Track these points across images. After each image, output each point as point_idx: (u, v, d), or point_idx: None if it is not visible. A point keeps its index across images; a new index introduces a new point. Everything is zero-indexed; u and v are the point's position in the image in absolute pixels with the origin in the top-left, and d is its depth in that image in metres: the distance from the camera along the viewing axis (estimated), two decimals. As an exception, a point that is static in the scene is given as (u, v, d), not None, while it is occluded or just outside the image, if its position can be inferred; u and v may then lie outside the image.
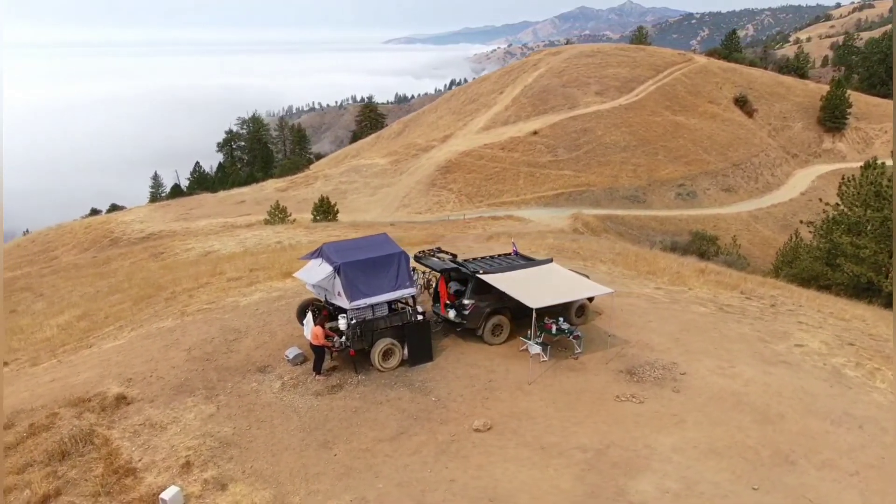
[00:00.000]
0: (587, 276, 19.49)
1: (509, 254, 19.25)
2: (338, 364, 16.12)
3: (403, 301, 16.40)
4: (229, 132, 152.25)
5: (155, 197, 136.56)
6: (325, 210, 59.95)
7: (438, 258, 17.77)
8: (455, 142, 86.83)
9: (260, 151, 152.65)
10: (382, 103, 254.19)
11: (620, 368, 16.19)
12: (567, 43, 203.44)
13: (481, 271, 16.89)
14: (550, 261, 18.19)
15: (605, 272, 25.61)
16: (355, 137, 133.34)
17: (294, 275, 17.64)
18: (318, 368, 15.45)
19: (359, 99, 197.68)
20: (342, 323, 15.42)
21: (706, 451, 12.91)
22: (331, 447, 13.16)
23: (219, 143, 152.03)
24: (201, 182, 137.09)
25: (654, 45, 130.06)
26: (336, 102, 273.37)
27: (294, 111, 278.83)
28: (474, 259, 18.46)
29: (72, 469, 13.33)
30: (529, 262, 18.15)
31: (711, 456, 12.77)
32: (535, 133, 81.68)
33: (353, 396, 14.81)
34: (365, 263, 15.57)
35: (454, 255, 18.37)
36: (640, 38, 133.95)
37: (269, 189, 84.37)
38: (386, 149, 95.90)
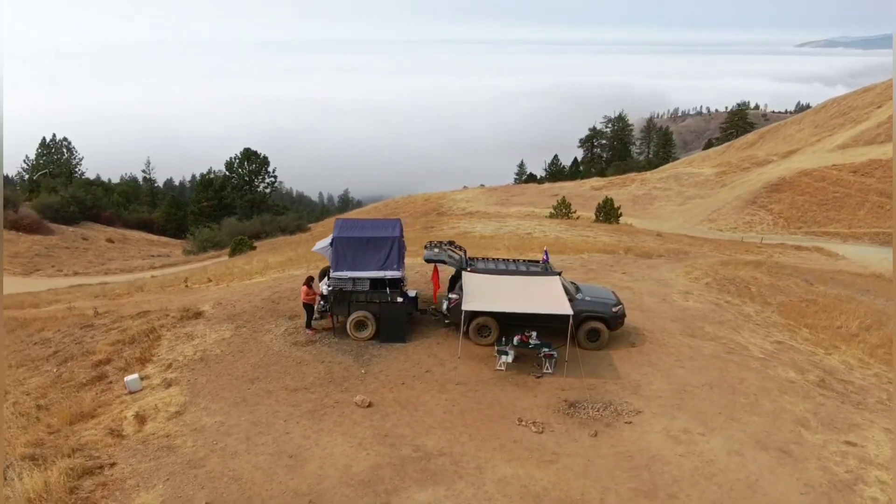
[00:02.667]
0: (619, 302, 17.76)
1: (537, 261, 18.56)
2: (336, 327, 18.28)
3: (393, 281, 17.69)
4: (592, 129, 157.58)
5: (518, 181, 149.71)
6: (606, 211, 59.90)
7: (443, 250, 18.30)
8: (798, 158, 76.42)
9: (619, 150, 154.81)
10: (779, 112, 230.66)
11: (567, 398, 14.98)
12: None
13: (469, 268, 17.09)
14: (557, 274, 17.15)
15: (746, 314, 22.05)
16: (709, 145, 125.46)
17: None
18: (308, 324, 17.91)
19: (752, 105, 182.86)
20: (323, 288, 17.58)
21: (532, 494, 11.80)
22: (254, 382, 15.65)
23: (581, 140, 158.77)
24: (555, 174, 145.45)
25: None
26: (725, 108, 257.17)
27: (679, 114, 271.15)
28: (489, 259, 18.46)
29: (127, 350, 18.43)
30: (536, 271, 17.41)
31: (530, 501, 11.64)
32: (904, 156, 66.98)
33: (311, 352, 16.94)
34: (358, 241, 17.37)
35: (464, 251, 18.66)
36: None
37: (587, 187, 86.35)
38: (720, 159, 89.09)
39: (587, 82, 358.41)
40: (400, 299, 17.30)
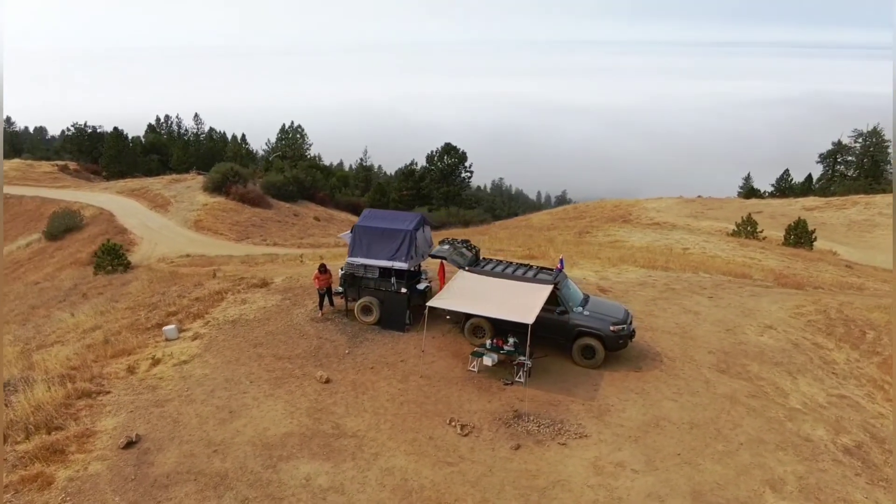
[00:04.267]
0: (624, 321, 16.51)
1: (551, 269, 17.76)
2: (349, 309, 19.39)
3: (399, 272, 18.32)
4: (836, 144, 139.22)
5: (740, 195, 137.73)
6: (797, 234, 53.40)
7: (454, 248, 18.31)
8: None
9: (869, 169, 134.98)
10: None
11: (518, 408, 14.57)
12: None
13: (467, 267, 17.11)
14: (553, 284, 16.36)
15: (830, 360, 19.10)
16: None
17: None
18: (321, 305, 19.26)
19: None
20: (340, 272, 18.78)
21: (406, 489, 11.95)
22: (255, 347, 17.43)
23: (820, 155, 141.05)
24: (784, 190, 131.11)
25: None
26: None
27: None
28: (500, 261, 18.10)
29: (194, 306, 21.44)
30: (535, 278, 16.77)
31: (400, 494, 11.80)
32: None
33: (317, 328, 18.30)
34: (375, 231, 18.31)
35: (476, 251, 18.47)
36: None
37: (798, 206, 76.98)
38: (983, 185, 73.62)
39: (853, 91, 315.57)
40: (403, 290, 17.94)
